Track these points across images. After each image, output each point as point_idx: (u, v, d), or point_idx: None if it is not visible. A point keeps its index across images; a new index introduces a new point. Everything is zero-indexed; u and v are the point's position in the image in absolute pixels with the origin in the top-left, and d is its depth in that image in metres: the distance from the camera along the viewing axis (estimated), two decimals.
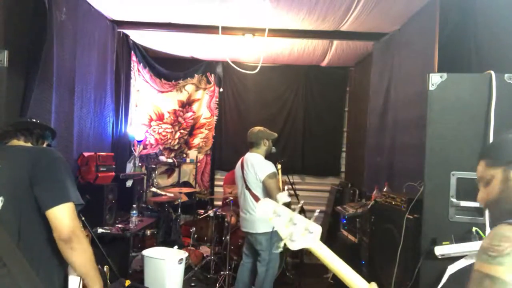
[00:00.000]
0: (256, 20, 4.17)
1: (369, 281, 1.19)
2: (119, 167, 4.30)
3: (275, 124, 5.79)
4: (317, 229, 1.19)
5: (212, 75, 6.18)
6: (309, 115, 6.17)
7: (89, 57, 3.88)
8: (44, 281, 1.58)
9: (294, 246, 1.17)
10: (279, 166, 3.57)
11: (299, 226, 1.18)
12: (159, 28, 4.54)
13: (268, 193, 3.28)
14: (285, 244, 1.18)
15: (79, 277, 1.69)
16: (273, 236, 3.16)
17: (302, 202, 1.34)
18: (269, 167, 3.32)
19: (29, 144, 1.78)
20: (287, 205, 1.27)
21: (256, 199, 3.32)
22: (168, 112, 6.12)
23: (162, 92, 6.05)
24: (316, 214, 1.26)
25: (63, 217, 1.55)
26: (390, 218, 2.72)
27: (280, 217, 1.19)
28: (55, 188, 1.59)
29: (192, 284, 4.28)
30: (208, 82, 6.20)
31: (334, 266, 1.18)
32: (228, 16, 4.07)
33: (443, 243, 2.05)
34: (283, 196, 1.23)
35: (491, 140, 2.03)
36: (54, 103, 3.18)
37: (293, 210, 1.20)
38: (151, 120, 6.01)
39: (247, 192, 3.37)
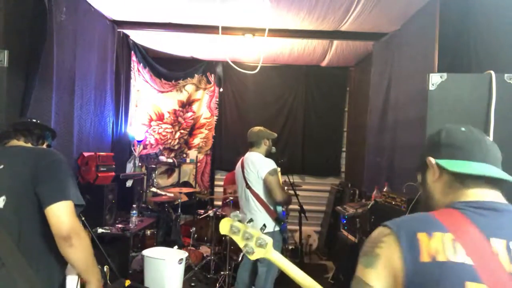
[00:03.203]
0: (256, 20, 4.17)
1: None
2: (119, 167, 4.30)
3: (275, 124, 5.79)
4: (268, 240, 1.33)
5: (212, 75, 6.18)
6: (309, 115, 6.17)
7: (89, 57, 3.88)
8: (44, 281, 1.58)
9: (252, 258, 1.35)
10: (278, 168, 3.57)
11: (252, 240, 1.33)
12: (159, 28, 4.54)
13: (268, 191, 3.27)
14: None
15: (76, 277, 1.69)
16: (275, 236, 3.16)
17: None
18: (270, 164, 3.31)
19: (29, 145, 1.78)
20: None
21: (258, 198, 3.31)
22: (168, 112, 6.12)
23: (162, 92, 6.05)
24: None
25: (62, 214, 1.54)
26: (390, 218, 2.72)
27: (236, 233, 1.36)
28: (55, 186, 1.59)
29: (192, 284, 4.28)
30: (208, 82, 6.20)
31: (291, 272, 1.31)
32: (228, 16, 4.07)
33: None
34: (237, 213, 1.41)
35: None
36: (54, 103, 3.18)
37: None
38: (151, 120, 6.01)
39: (248, 191, 3.36)
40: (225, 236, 4.32)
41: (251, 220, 1.44)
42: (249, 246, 1.33)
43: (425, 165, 1.12)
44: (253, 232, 1.35)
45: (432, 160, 1.09)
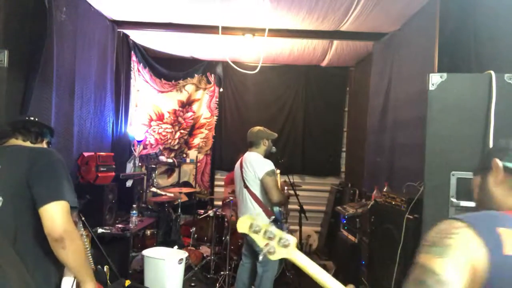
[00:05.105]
0: (256, 20, 4.17)
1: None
2: (119, 167, 4.30)
3: (275, 124, 5.79)
4: (291, 240, 1.26)
5: (212, 75, 6.18)
6: (309, 115, 6.17)
7: (89, 57, 3.88)
8: (41, 282, 1.58)
9: (273, 258, 1.26)
10: (278, 171, 3.58)
11: (274, 239, 1.26)
12: (159, 28, 4.54)
13: (265, 191, 3.27)
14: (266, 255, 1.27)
15: (72, 278, 1.69)
16: None
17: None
18: (268, 165, 3.32)
19: (28, 143, 1.77)
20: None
21: (255, 198, 3.31)
22: (168, 112, 6.12)
23: (162, 92, 6.05)
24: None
25: (55, 215, 1.53)
26: (390, 218, 2.72)
27: (257, 231, 1.28)
28: (50, 186, 1.58)
29: (192, 284, 4.27)
30: (208, 82, 6.20)
31: (313, 273, 1.24)
32: (228, 16, 4.07)
33: None
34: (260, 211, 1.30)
35: (491, 140, 2.03)
36: (54, 103, 3.18)
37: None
38: (151, 120, 6.01)
39: (245, 191, 3.37)
40: (225, 236, 4.37)
41: (274, 220, 1.40)
42: (270, 246, 1.26)
43: (488, 167, 1.13)
44: (276, 232, 1.28)
45: (498, 162, 1.10)
